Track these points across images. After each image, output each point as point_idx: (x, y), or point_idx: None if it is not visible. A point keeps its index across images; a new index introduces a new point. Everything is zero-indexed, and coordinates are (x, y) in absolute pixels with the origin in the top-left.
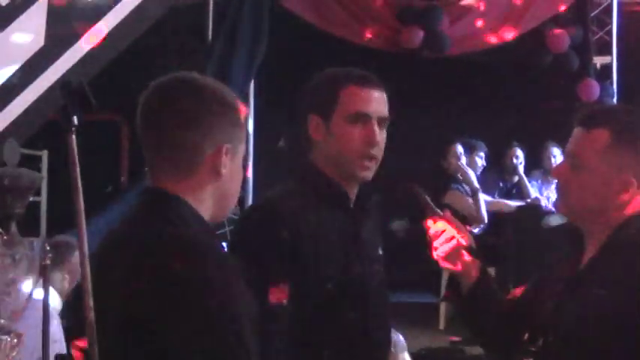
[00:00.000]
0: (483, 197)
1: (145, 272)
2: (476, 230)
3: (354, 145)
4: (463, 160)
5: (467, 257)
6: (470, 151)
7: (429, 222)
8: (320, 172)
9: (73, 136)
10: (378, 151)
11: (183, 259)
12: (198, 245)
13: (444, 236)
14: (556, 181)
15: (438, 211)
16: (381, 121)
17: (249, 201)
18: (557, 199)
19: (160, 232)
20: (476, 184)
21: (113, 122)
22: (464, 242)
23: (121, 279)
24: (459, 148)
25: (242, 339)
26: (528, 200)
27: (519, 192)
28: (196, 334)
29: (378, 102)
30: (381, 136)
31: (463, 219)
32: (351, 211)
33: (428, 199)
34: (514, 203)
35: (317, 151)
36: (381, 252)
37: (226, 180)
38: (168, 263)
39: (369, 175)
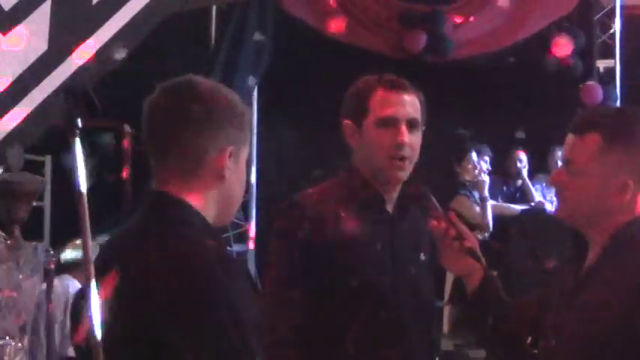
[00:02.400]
0: (490, 204)
1: (150, 283)
2: (480, 237)
3: (384, 148)
4: (477, 167)
5: (471, 260)
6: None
7: (434, 224)
8: (359, 175)
9: (77, 139)
10: (409, 152)
11: (187, 269)
12: (201, 253)
13: (449, 239)
14: (552, 184)
15: (443, 213)
16: (411, 123)
17: (253, 205)
18: (557, 206)
19: (163, 240)
20: (486, 192)
21: (116, 129)
22: (468, 245)
23: (124, 288)
24: (474, 156)
25: (247, 344)
26: (532, 204)
27: (523, 196)
28: (201, 342)
29: (407, 105)
30: (411, 137)
31: (468, 225)
32: (387, 215)
33: (434, 201)
34: (518, 207)
35: (354, 156)
36: (423, 257)
37: (230, 183)
38: (172, 273)
39: (401, 175)
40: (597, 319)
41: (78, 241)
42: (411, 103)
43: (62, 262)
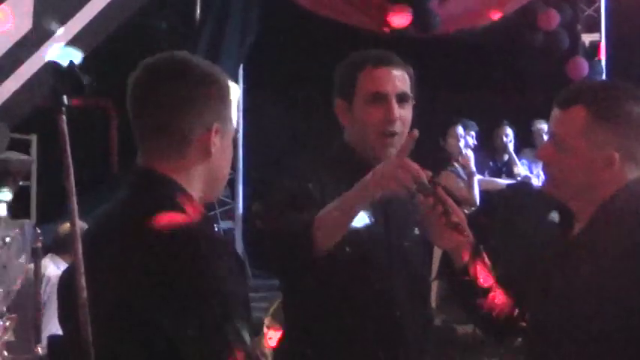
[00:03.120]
0: (476, 179)
1: (136, 261)
2: (466, 212)
3: (374, 124)
4: (462, 142)
5: (459, 235)
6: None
7: (422, 199)
8: (352, 151)
9: (64, 117)
10: (400, 127)
11: (173, 246)
12: (187, 230)
13: (436, 213)
14: (540, 159)
15: (431, 187)
16: (401, 97)
17: (240, 183)
18: (544, 180)
19: (149, 218)
20: (473, 167)
21: (102, 108)
22: (456, 220)
23: (111, 263)
24: (460, 130)
25: (233, 322)
26: (518, 178)
27: (509, 170)
28: (187, 319)
29: (395, 80)
30: (401, 112)
31: (454, 200)
32: None
33: (422, 175)
34: (504, 182)
35: (347, 133)
36: (417, 232)
37: (216, 160)
38: (158, 251)
39: (392, 151)
40: (586, 290)
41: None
42: (400, 78)
43: (56, 241)
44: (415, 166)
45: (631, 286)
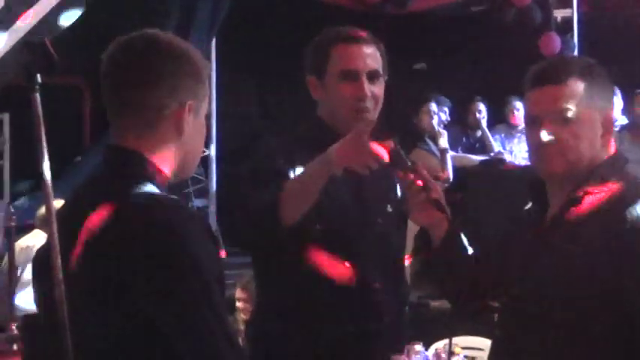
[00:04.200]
0: (450, 155)
1: (111, 237)
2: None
3: (346, 100)
4: (436, 119)
5: (437, 212)
6: None
7: (401, 175)
8: (326, 127)
9: (37, 95)
10: (372, 104)
11: (146, 224)
12: (161, 208)
13: (414, 189)
14: (545, 141)
15: (409, 163)
16: (372, 75)
17: (213, 162)
18: (551, 161)
19: (122, 196)
20: (446, 144)
21: (74, 86)
22: (435, 196)
23: (85, 245)
24: (433, 107)
25: (210, 298)
26: (492, 154)
27: (482, 146)
28: (164, 296)
29: (367, 57)
30: (373, 89)
31: None
32: None
33: (402, 152)
34: (477, 158)
35: (320, 109)
36: (390, 209)
37: (189, 137)
38: (132, 229)
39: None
40: (568, 270)
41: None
42: (371, 55)
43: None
44: (370, 146)
45: (609, 269)
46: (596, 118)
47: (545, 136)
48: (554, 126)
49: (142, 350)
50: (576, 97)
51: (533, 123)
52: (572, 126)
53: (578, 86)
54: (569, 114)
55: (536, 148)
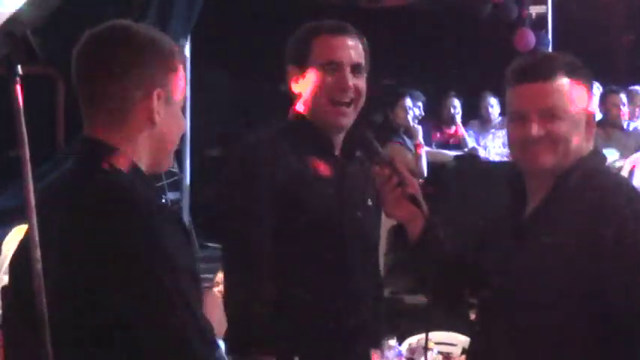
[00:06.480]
0: (424, 150)
1: (83, 227)
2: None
3: (327, 91)
4: (411, 113)
5: (413, 207)
6: None
7: (377, 170)
8: (305, 120)
9: (18, 86)
10: (354, 96)
11: (119, 217)
12: (133, 201)
13: (391, 184)
14: (535, 136)
15: (386, 158)
16: (355, 68)
17: (187, 154)
18: (541, 157)
19: (94, 188)
20: (421, 139)
21: (48, 77)
22: (411, 191)
23: (59, 233)
24: (408, 102)
25: (181, 291)
26: (465, 150)
27: (457, 142)
28: (135, 289)
29: (350, 49)
30: (355, 81)
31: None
32: (335, 159)
33: (378, 146)
34: (452, 153)
35: (299, 102)
36: (370, 203)
37: (162, 128)
38: (104, 221)
39: (344, 121)
40: (547, 263)
41: None
42: (355, 48)
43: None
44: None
45: (591, 262)
46: (581, 113)
47: (536, 131)
48: (543, 121)
49: (115, 346)
50: (564, 93)
51: (521, 118)
52: (561, 121)
53: (565, 82)
54: (558, 110)
55: (523, 143)
